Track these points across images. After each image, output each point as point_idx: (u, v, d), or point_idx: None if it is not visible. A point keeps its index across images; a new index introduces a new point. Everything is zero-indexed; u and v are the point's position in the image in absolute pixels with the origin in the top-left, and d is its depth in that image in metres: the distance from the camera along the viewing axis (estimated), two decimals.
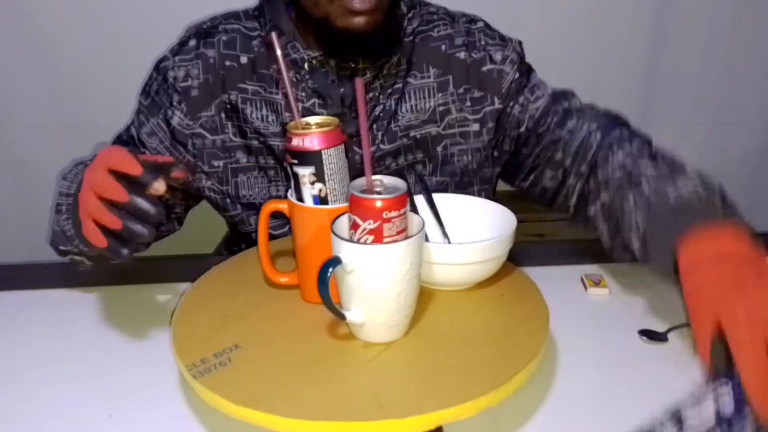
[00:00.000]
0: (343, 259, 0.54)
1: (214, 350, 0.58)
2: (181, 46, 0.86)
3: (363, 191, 0.56)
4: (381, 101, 0.85)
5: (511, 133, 0.90)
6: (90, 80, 1.52)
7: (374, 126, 0.86)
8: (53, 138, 1.56)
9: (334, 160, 0.61)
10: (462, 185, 0.92)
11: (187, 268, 0.86)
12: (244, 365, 0.57)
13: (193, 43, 0.85)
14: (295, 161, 0.61)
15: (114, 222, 0.55)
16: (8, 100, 1.54)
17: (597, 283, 0.84)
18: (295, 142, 0.60)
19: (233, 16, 0.87)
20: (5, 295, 0.83)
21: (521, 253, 0.75)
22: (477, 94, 0.87)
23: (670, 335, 0.74)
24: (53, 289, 0.84)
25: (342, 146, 0.62)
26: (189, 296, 0.68)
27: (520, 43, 0.91)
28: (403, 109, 0.85)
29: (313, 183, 0.61)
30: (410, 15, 0.87)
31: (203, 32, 0.86)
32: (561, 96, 0.90)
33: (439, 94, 0.87)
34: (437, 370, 0.56)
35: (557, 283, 0.84)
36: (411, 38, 0.86)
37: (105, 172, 0.56)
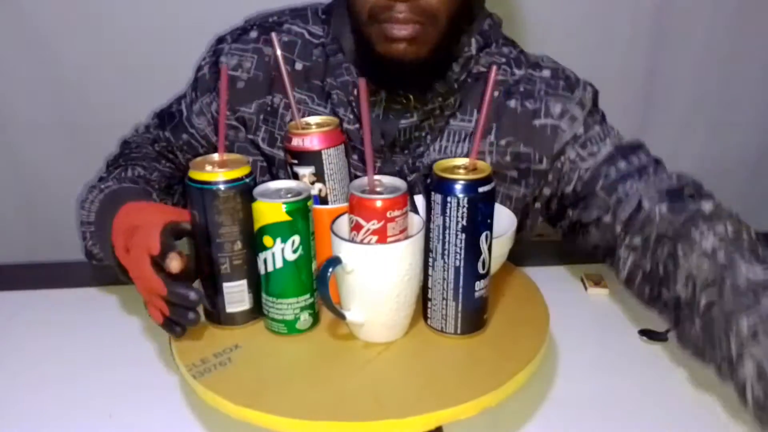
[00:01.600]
0: (343, 260, 0.54)
1: (214, 350, 0.58)
2: (241, 34, 0.82)
3: (364, 191, 0.56)
4: (425, 139, 0.77)
5: (558, 191, 0.79)
6: (90, 80, 1.51)
7: (409, 162, 0.78)
8: (53, 138, 1.56)
9: (334, 160, 0.61)
10: None
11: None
12: (244, 365, 0.56)
13: (254, 35, 0.81)
14: (295, 161, 0.61)
15: (164, 310, 0.57)
16: (8, 100, 1.54)
17: (597, 283, 0.84)
18: (295, 142, 0.60)
19: (301, 15, 0.82)
20: (5, 295, 0.83)
21: (521, 253, 0.75)
22: (523, 149, 0.76)
23: (670, 335, 0.74)
24: (53, 289, 0.84)
25: (342, 146, 0.62)
26: None
27: (594, 91, 0.79)
28: (435, 147, 0.77)
29: (313, 183, 0.61)
30: (480, 55, 0.77)
31: (268, 27, 0.81)
32: (621, 153, 0.76)
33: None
34: (437, 370, 0.56)
35: (557, 283, 0.84)
36: (473, 80, 0.77)
37: (143, 262, 0.56)
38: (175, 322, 0.57)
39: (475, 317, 0.59)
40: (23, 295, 0.83)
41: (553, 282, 0.84)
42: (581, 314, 0.78)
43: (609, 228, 0.73)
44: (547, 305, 0.66)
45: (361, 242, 0.55)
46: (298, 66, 0.79)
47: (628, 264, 0.70)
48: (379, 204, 0.54)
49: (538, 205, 0.82)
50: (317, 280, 0.58)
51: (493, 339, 0.60)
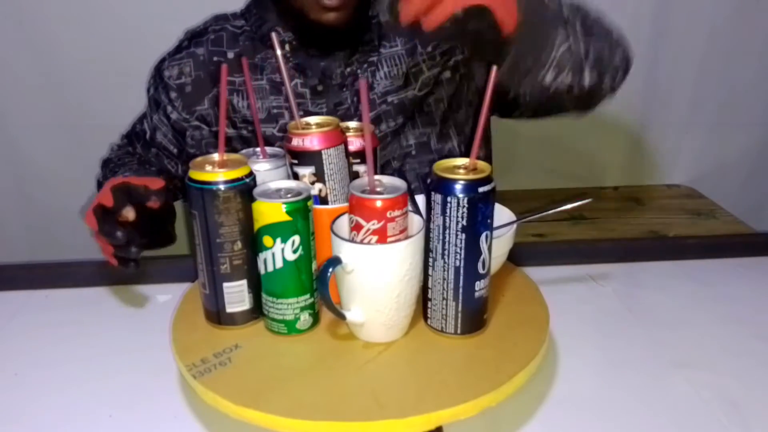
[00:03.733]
0: (343, 260, 0.54)
1: (214, 350, 0.58)
2: (175, 49, 0.94)
3: (364, 191, 0.56)
4: (359, 73, 0.90)
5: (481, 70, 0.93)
6: (90, 80, 1.51)
7: (355, 99, 0.90)
8: (53, 138, 1.56)
9: (334, 160, 0.61)
10: (442, 136, 0.95)
11: (187, 268, 0.86)
12: (244, 365, 0.56)
13: (185, 43, 0.93)
14: (296, 161, 0.61)
15: (108, 251, 0.63)
16: (8, 100, 1.54)
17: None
18: (295, 142, 0.60)
19: (222, 18, 0.94)
20: (5, 295, 0.83)
21: (521, 253, 0.75)
22: (445, 46, 0.90)
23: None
24: (53, 289, 0.84)
25: (342, 146, 0.62)
26: (189, 296, 0.68)
27: None
28: (378, 77, 0.90)
29: (313, 183, 0.61)
30: None
31: (195, 33, 0.94)
32: None
33: (409, 59, 0.90)
34: (437, 370, 0.56)
35: (558, 283, 0.84)
36: (377, 16, 0.91)
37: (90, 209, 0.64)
38: (124, 258, 0.62)
39: (475, 317, 0.59)
40: (23, 295, 0.83)
41: (554, 282, 0.84)
42: (582, 314, 0.78)
43: None
44: (547, 305, 0.66)
45: (362, 242, 0.55)
46: (230, 54, 0.90)
47: None
48: (379, 204, 0.54)
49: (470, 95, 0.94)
50: (317, 280, 0.58)
51: (493, 339, 0.60)
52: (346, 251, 0.54)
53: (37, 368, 0.69)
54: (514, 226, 0.68)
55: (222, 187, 0.56)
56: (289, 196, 0.56)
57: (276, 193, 0.57)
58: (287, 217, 0.55)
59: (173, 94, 0.92)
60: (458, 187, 0.54)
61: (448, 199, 0.54)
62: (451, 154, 0.96)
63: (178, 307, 0.67)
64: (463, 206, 0.54)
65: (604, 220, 1.63)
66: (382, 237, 0.54)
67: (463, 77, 0.94)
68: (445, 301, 0.58)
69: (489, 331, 0.60)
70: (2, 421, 0.62)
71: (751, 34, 1.66)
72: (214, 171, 0.57)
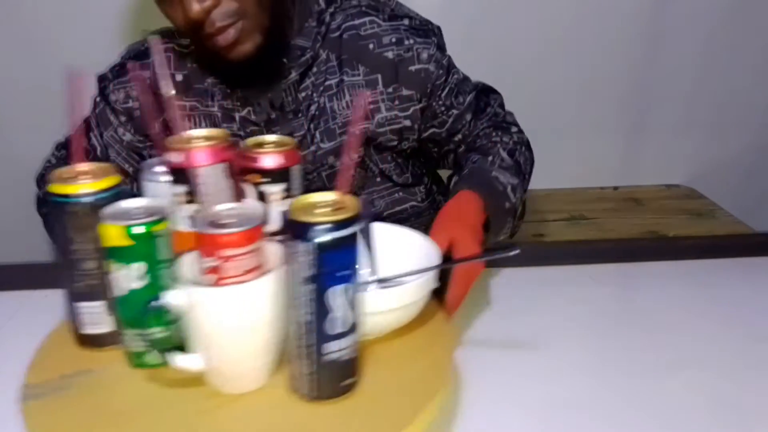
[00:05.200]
0: (170, 299, 0.48)
1: (64, 372, 0.53)
2: (119, 69, 0.90)
3: (207, 222, 0.47)
4: (315, 99, 0.85)
5: (429, 127, 0.90)
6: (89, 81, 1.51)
7: (311, 125, 0.85)
8: (53, 138, 1.56)
9: (211, 179, 0.54)
10: (402, 169, 0.94)
11: None
12: (83, 395, 0.51)
13: (130, 65, 0.88)
14: (172, 178, 0.55)
15: None
16: (8, 101, 1.54)
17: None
18: (170, 157, 0.54)
19: (168, 34, 0.86)
20: (5, 295, 0.83)
21: (522, 254, 0.75)
22: (405, 92, 0.86)
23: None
24: (53, 289, 0.84)
25: (224, 165, 0.55)
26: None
27: (439, 29, 0.90)
28: (340, 106, 0.85)
29: (187, 203, 0.54)
30: (331, 10, 0.85)
31: (140, 53, 0.89)
32: (477, 104, 0.91)
33: (368, 92, 0.87)
34: (307, 426, 0.48)
35: (558, 283, 0.84)
36: (338, 33, 0.85)
37: None
38: None
39: (331, 382, 0.50)
40: (23, 295, 0.83)
41: (554, 282, 0.84)
42: (581, 314, 0.78)
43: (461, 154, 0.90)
44: (451, 364, 0.58)
45: (196, 281, 0.48)
46: (179, 77, 0.86)
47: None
48: (217, 239, 0.46)
49: (431, 146, 0.93)
50: (139, 317, 0.52)
51: (362, 405, 0.50)
52: (173, 290, 0.48)
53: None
54: (436, 263, 0.61)
55: (73, 200, 0.52)
56: (142, 217, 0.50)
57: (126, 214, 0.51)
58: (130, 242, 0.49)
59: (123, 118, 0.89)
60: (307, 230, 0.45)
61: (297, 243, 0.45)
62: (409, 182, 0.95)
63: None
64: (310, 253, 0.45)
65: (604, 220, 1.64)
66: (221, 277, 0.47)
67: (420, 128, 0.90)
68: (299, 360, 0.49)
69: (359, 396, 0.51)
70: (2, 421, 0.61)
71: (750, 34, 1.66)
72: (66, 184, 0.52)
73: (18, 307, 0.81)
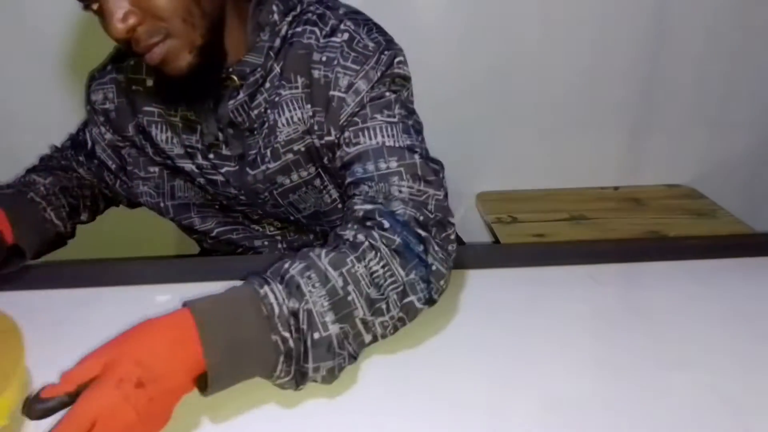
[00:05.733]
0: None
1: None
2: (101, 70, 0.92)
3: None
4: (268, 115, 0.79)
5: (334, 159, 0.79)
6: None
7: (263, 143, 0.81)
8: (53, 138, 1.56)
9: None
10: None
11: (187, 268, 0.86)
12: None
13: (109, 66, 0.90)
14: None
15: None
16: (8, 101, 1.54)
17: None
18: None
19: None
20: (5, 295, 0.83)
21: (523, 254, 0.75)
22: (322, 118, 0.78)
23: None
24: (53, 289, 0.84)
25: None
26: None
27: (396, 55, 0.77)
28: (281, 123, 0.79)
29: None
30: (289, 19, 0.79)
31: (118, 56, 0.90)
32: (375, 154, 0.73)
33: (308, 105, 0.79)
34: None
35: (558, 283, 0.84)
36: (288, 42, 0.79)
37: None
38: None
39: None
40: (23, 295, 0.83)
41: (554, 282, 0.84)
42: (582, 314, 0.78)
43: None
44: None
45: None
46: (149, 82, 0.85)
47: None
48: None
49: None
50: None
51: None
52: None
53: (36, 368, 0.69)
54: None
55: None
56: None
57: None
58: None
59: (101, 118, 0.91)
60: None
61: None
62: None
63: None
64: None
65: (604, 220, 1.63)
66: None
67: (328, 159, 0.81)
68: None
69: None
70: None
71: (751, 34, 1.66)
72: None
73: (18, 307, 0.80)
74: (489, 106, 1.64)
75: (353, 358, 0.60)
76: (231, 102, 0.78)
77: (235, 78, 0.77)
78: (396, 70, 0.77)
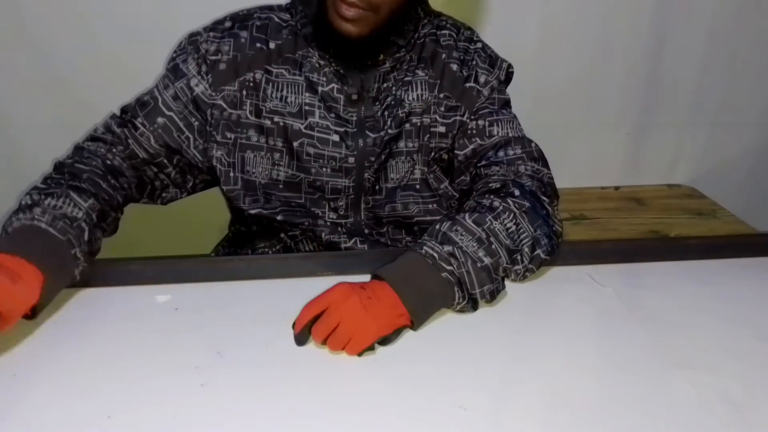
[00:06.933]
0: None
1: None
2: (216, 24, 0.94)
3: None
4: (393, 92, 0.94)
5: (456, 144, 0.96)
6: (89, 80, 1.52)
7: (386, 113, 0.94)
8: (53, 138, 1.56)
9: None
10: (437, 178, 0.99)
11: (187, 268, 0.86)
12: None
13: (228, 24, 0.94)
14: None
15: None
16: (7, 100, 1.54)
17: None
18: None
19: (268, 8, 0.96)
20: None
21: None
22: (453, 103, 0.95)
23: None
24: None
25: None
26: None
27: (510, 67, 0.99)
28: (410, 97, 0.94)
29: None
30: (425, 21, 0.96)
31: (240, 17, 0.95)
32: (506, 142, 0.93)
33: (435, 90, 0.95)
34: None
35: (558, 283, 0.84)
36: (423, 39, 0.96)
37: None
38: None
39: None
40: None
41: (555, 282, 0.84)
42: (583, 314, 0.78)
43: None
44: None
45: None
46: (272, 45, 0.92)
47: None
48: None
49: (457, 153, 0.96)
50: None
51: None
52: None
53: (36, 368, 0.69)
54: None
55: None
56: None
57: None
58: None
59: (204, 68, 0.91)
60: None
61: None
62: (446, 194, 0.99)
63: None
64: None
65: (605, 220, 1.64)
66: None
67: (453, 139, 0.96)
68: None
69: None
70: (2, 421, 0.61)
71: (751, 34, 1.66)
72: None
73: None
74: None
75: (498, 292, 0.79)
76: (377, 69, 0.92)
77: (383, 55, 0.91)
78: (508, 77, 1.00)
